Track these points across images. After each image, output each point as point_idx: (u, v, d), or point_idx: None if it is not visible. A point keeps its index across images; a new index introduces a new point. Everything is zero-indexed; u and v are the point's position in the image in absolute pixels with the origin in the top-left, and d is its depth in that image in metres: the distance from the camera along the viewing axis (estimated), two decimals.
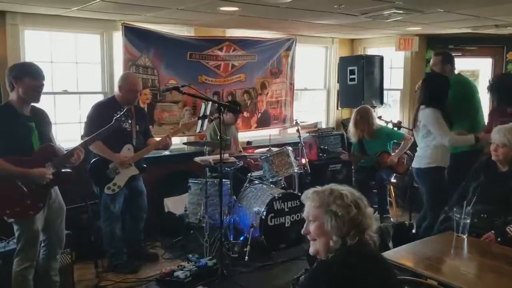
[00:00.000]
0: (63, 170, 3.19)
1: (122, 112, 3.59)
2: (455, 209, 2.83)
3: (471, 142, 3.97)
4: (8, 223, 3.11)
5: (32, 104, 3.13)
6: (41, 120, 3.19)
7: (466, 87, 4.68)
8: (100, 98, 4.89)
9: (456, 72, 4.76)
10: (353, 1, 3.83)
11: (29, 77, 3.00)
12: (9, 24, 4.43)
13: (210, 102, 4.71)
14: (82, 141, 3.45)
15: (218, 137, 4.03)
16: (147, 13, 4.53)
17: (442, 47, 6.42)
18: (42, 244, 3.27)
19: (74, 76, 5.07)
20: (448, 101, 4.08)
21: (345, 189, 1.83)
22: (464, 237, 2.72)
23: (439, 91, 4.05)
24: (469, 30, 5.69)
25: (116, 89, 4.28)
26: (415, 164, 4.18)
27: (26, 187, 3.00)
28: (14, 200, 2.97)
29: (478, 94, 4.74)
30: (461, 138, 4.02)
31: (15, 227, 3.09)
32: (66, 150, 3.26)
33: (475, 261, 2.54)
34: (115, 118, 3.56)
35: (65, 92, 4.96)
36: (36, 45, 4.79)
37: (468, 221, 2.72)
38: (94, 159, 4.05)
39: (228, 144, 4.94)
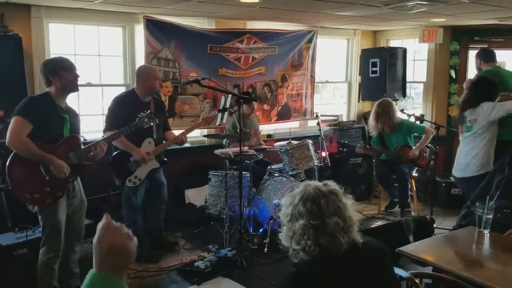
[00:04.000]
0: (85, 163, 3.27)
1: (146, 114, 3.69)
2: (477, 204, 2.79)
3: None
4: (33, 212, 3.20)
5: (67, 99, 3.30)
6: (74, 115, 3.34)
7: (498, 79, 4.60)
8: (122, 90, 4.95)
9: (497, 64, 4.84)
10: None
11: (66, 71, 3.16)
12: (33, 17, 4.52)
13: (230, 95, 4.72)
14: (106, 136, 3.53)
15: (238, 130, 4.04)
16: (168, 6, 4.56)
17: (467, 39, 6.30)
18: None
19: (97, 69, 5.15)
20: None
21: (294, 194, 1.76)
22: (486, 232, 2.68)
23: (484, 95, 4.09)
24: (495, 21, 5.55)
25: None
26: (460, 174, 4.17)
27: (47, 175, 3.09)
28: (35, 186, 3.06)
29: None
30: None
31: (39, 217, 3.18)
32: (88, 142, 3.34)
33: (497, 257, 2.49)
34: (138, 117, 3.65)
35: (89, 85, 5.04)
36: (60, 38, 4.87)
37: (491, 216, 2.67)
38: (115, 152, 4.11)
39: (247, 137, 4.95)
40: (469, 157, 4.09)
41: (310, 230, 1.63)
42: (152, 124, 3.87)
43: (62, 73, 3.14)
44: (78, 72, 3.25)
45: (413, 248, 2.48)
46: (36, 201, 3.10)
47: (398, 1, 4.18)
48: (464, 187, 4.26)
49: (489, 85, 4.19)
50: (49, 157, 3.05)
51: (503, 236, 2.75)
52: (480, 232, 2.70)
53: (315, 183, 1.75)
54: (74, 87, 3.24)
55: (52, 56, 4.66)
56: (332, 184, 1.75)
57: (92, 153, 3.26)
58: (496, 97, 4.14)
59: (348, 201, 1.73)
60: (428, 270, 2.42)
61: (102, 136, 3.76)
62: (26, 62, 4.28)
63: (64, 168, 3.10)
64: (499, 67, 4.89)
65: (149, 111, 3.80)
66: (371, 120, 5.47)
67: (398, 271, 1.80)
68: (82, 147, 3.28)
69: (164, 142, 4.27)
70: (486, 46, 6.15)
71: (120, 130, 3.55)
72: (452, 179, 5.88)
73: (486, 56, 4.81)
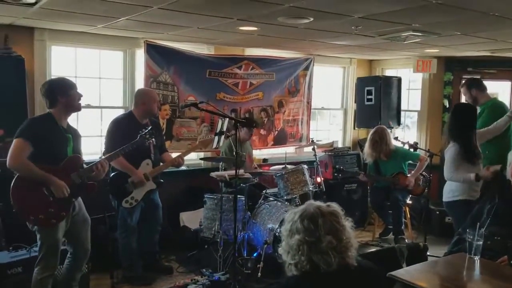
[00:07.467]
0: (88, 182, 3.32)
1: (147, 130, 3.75)
2: (468, 230, 2.83)
3: (471, 180, 3.93)
4: (30, 231, 3.22)
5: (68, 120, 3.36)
6: (75, 134, 3.40)
7: (499, 110, 4.71)
8: (121, 112, 5.03)
9: (490, 93, 4.92)
10: (370, 22, 3.90)
11: (73, 90, 3.26)
12: (37, 40, 4.63)
13: (227, 119, 4.80)
14: (107, 155, 3.56)
15: (234, 153, 4.09)
16: (169, 32, 4.68)
17: (461, 69, 6.44)
18: (68, 255, 3.41)
19: (97, 91, 5.23)
20: (476, 129, 4.17)
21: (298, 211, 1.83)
22: (476, 258, 2.71)
23: (464, 123, 4.10)
24: (488, 53, 5.70)
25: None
26: (444, 198, 4.24)
27: (51, 196, 3.13)
28: (39, 207, 3.10)
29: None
30: (460, 176, 3.99)
31: (38, 236, 3.20)
32: (87, 163, 3.40)
33: (487, 283, 2.52)
34: (140, 134, 3.71)
35: (88, 106, 5.11)
36: (62, 60, 4.97)
37: (481, 242, 2.71)
38: (113, 173, 4.15)
39: (243, 161, 5.00)
40: (448, 183, 4.17)
41: (305, 246, 1.70)
42: (153, 140, 3.92)
43: (70, 92, 3.24)
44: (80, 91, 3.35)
45: (404, 272, 2.51)
46: (40, 222, 3.12)
47: (392, 32, 4.30)
48: (448, 211, 4.37)
49: (464, 114, 4.17)
50: (49, 177, 3.09)
51: (493, 262, 2.78)
52: (470, 258, 2.73)
53: (318, 203, 1.82)
54: (78, 106, 3.33)
55: (53, 77, 4.75)
56: (334, 206, 1.82)
57: (94, 172, 3.31)
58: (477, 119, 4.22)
59: (347, 223, 1.78)
60: None
61: (100, 157, 3.80)
62: (27, 83, 4.35)
63: (63, 188, 3.13)
64: (496, 98, 4.96)
65: (150, 127, 3.85)
66: (367, 147, 5.52)
67: None
68: (85, 166, 3.34)
69: (161, 163, 4.31)
70: (479, 77, 6.29)
71: (121, 148, 3.58)
72: None
73: (481, 86, 4.85)
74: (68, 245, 3.41)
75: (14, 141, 3.08)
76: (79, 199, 3.43)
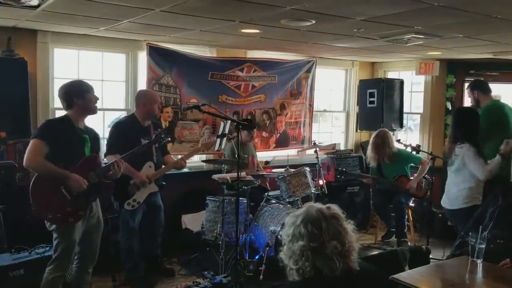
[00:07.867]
0: (105, 181, 3.36)
1: (162, 130, 3.85)
2: (471, 233, 2.81)
3: (499, 161, 3.94)
4: (32, 233, 3.22)
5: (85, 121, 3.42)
6: (93, 135, 3.46)
7: (498, 112, 4.70)
8: (123, 114, 5.03)
9: (493, 95, 4.87)
10: (372, 25, 3.89)
11: (90, 93, 3.35)
12: (40, 42, 4.64)
13: (229, 121, 4.80)
14: (123, 154, 3.61)
15: (236, 156, 4.09)
16: (171, 34, 4.68)
17: (463, 72, 6.42)
18: (76, 257, 3.41)
19: (99, 93, 5.21)
20: (479, 131, 4.15)
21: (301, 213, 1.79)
22: (479, 262, 2.70)
23: (470, 125, 4.10)
24: (490, 56, 5.69)
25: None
26: (449, 205, 4.17)
27: (69, 195, 3.16)
28: (57, 206, 3.13)
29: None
30: (490, 165, 3.97)
31: (54, 235, 3.22)
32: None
33: (489, 286, 2.51)
34: (155, 134, 3.79)
35: None
36: (64, 63, 4.98)
37: (484, 246, 2.70)
38: None
39: (246, 163, 5.00)
40: (458, 189, 4.09)
41: (309, 252, 1.67)
42: (169, 139, 3.96)
43: (87, 95, 3.31)
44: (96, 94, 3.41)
45: (406, 275, 2.50)
46: (58, 221, 3.15)
47: (394, 34, 4.30)
48: (454, 219, 4.28)
49: (470, 117, 4.19)
50: (65, 173, 3.13)
51: (495, 265, 2.77)
52: (473, 261, 2.72)
53: (318, 205, 1.78)
54: (95, 109, 3.39)
55: (56, 80, 4.77)
56: (335, 208, 1.79)
57: (111, 172, 3.36)
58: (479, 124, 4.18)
59: (349, 226, 1.76)
60: None
61: (102, 159, 3.81)
62: (30, 85, 4.36)
63: (80, 182, 3.16)
64: (499, 100, 4.94)
65: (163, 129, 3.95)
66: (370, 151, 5.50)
67: None
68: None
69: (163, 166, 4.32)
70: (482, 79, 6.27)
71: (138, 147, 3.68)
72: None
73: (484, 88, 4.82)
74: (77, 246, 3.40)
75: (31, 141, 3.14)
76: (97, 201, 3.46)
